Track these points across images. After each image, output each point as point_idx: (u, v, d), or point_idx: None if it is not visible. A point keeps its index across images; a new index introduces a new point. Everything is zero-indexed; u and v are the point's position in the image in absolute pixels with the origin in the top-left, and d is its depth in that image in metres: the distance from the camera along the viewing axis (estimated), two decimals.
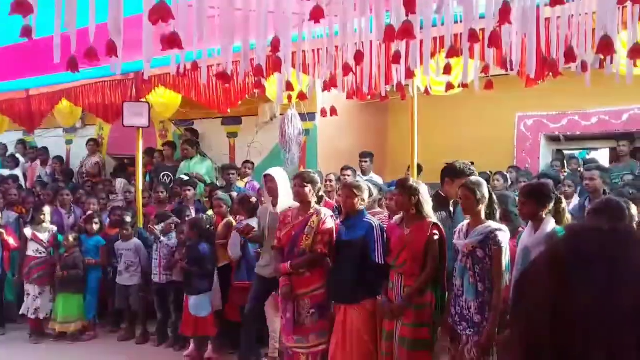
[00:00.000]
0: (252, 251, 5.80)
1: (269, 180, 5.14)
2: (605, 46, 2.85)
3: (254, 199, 6.04)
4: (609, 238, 0.80)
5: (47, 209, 6.98)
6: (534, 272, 0.84)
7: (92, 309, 6.76)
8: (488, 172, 7.37)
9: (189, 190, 7.21)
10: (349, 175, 7.11)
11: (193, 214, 6.66)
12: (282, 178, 5.14)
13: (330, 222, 4.70)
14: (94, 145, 10.12)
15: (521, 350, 0.81)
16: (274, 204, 5.12)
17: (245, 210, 6.00)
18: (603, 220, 0.85)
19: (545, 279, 0.80)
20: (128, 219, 6.81)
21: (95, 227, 6.82)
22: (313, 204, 4.77)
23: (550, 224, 3.68)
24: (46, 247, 6.83)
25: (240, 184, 7.84)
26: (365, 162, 7.97)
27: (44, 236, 6.82)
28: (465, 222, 4.03)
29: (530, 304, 0.81)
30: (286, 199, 5.04)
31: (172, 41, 2.52)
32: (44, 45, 3.22)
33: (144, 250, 6.60)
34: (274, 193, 5.10)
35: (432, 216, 4.26)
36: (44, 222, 6.87)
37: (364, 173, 7.79)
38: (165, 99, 8.07)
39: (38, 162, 10.50)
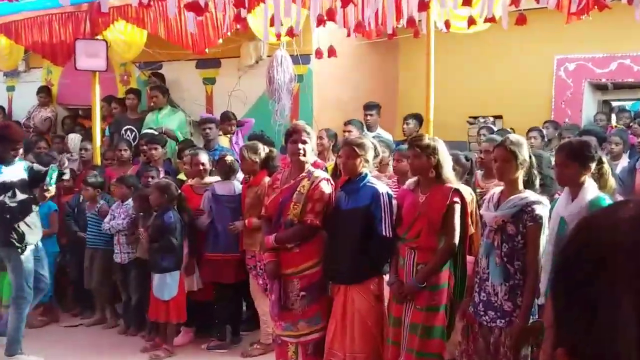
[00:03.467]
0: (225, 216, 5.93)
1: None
2: None
3: (229, 158, 6.05)
4: None
5: None
6: (626, 228, 0.77)
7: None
8: (509, 130, 7.34)
9: (156, 148, 7.18)
10: (351, 131, 7.08)
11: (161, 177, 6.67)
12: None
13: (325, 186, 4.65)
14: (46, 95, 10.03)
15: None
16: None
17: (220, 172, 6.04)
18: None
19: None
20: (92, 179, 6.77)
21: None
22: (308, 165, 4.76)
23: (591, 190, 3.67)
24: None
25: (224, 141, 7.80)
26: (371, 115, 7.94)
27: None
28: (497, 189, 4.02)
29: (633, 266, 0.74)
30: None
31: None
32: None
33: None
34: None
35: (453, 180, 4.26)
36: None
37: (369, 128, 7.76)
38: (126, 37, 7.97)
39: None
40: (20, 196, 5.59)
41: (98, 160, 7.29)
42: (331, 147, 6.77)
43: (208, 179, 6.27)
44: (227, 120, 8.01)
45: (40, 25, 7.91)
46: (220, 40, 7.09)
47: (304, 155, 4.65)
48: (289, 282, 4.64)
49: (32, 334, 6.24)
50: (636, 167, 5.42)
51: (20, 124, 9.92)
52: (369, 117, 7.94)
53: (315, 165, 5.38)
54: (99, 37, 7.55)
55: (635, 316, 0.72)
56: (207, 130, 7.58)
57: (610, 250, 0.76)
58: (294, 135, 4.69)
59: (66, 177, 5.93)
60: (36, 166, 5.92)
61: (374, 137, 6.20)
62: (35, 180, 5.70)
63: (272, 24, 4.45)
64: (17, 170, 5.67)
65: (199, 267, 6.12)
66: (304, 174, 4.68)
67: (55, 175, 5.61)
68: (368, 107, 8.03)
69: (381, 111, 8.13)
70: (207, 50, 7.19)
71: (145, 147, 7.35)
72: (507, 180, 3.90)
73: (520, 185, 3.87)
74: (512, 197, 3.82)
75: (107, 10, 6.81)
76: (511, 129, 7.52)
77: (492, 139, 5.41)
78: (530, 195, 3.81)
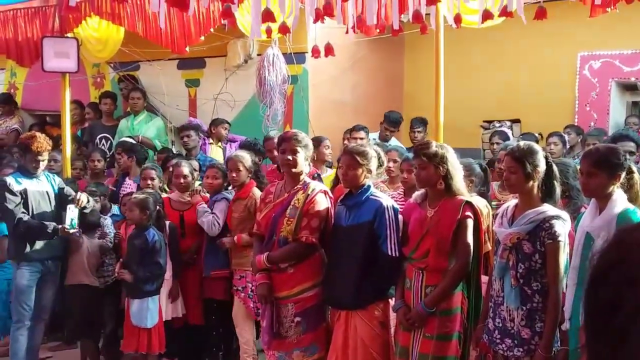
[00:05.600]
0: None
1: None
2: None
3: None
4: None
5: None
6: None
7: None
8: (536, 135, 7.38)
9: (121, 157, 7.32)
10: (362, 138, 7.08)
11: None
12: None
13: (323, 200, 4.67)
14: (8, 103, 10.02)
15: None
16: None
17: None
18: None
19: None
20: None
21: None
22: (303, 176, 4.77)
23: (620, 202, 3.69)
24: None
25: (216, 152, 7.80)
26: (392, 131, 7.96)
27: None
28: (512, 203, 4.03)
29: None
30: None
31: None
32: None
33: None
34: None
35: (464, 192, 4.27)
36: None
37: (384, 140, 7.74)
38: (100, 34, 8.01)
39: None
40: (39, 214, 5.91)
41: (69, 173, 7.30)
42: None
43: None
44: (219, 124, 8.09)
45: (4, 21, 7.92)
46: (202, 38, 7.13)
47: (295, 166, 4.67)
48: (282, 306, 4.65)
49: None
50: None
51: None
52: (389, 133, 7.96)
53: (309, 174, 5.41)
54: (69, 34, 7.57)
55: None
56: (186, 139, 7.63)
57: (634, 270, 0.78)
58: (283, 144, 4.72)
59: (87, 210, 6.14)
60: (67, 189, 6.16)
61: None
62: (60, 202, 6.02)
63: (264, 20, 4.45)
64: (40, 185, 5.98)
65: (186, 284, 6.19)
66: (298, 186, 4.70)
67: (75, 218, 5.93)
68: (393, 122, 8.07)
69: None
70: (187, 49, 7.21)
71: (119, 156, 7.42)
72: (521, 192, 3.91)
73: (537, 198, 3.88)
74: (528, 211, 3.83)
75: (76, 4, 6.84)
76: (539, 134, 7.56)
77: (509, 145, 5.44)
78: (548, 209, 3.81)
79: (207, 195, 6.21)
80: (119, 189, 7.09)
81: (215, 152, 7.82)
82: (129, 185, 7.06)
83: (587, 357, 0.86)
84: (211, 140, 8.10)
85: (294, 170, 4.69)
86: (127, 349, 6.07)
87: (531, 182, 3.86)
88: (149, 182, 6.45)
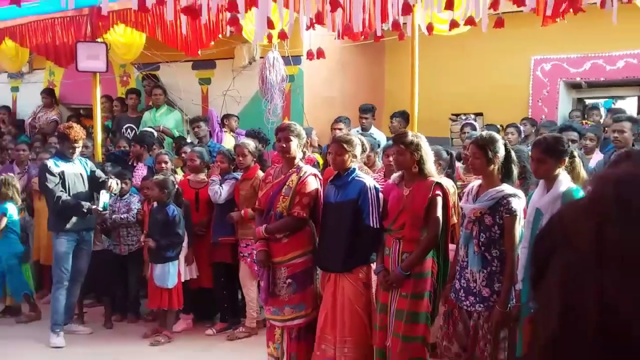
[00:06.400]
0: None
1: None
2: None
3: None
4: None
5: None
6: (572, 218, 0.82)
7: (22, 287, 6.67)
8: (498, 126, 7.38)
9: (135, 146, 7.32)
10: (341, 129, 7.09)
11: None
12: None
13: (313, 182, 4.70)
14: (49, 97, 9.95)
15: (557, 311, 0.78)
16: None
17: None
18: None
19: (591, 225, 0.77)
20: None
21: None
22: (297, 160, 4.79)
23: (564, 183, 3.70)
24: None
25: (229, 140, 7.77)
26: (366, 118, 7.89)
27: None
28: (477, 182, 4.04)
29: (571, 254, 0.79)
30: None
31: None
32: None
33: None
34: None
35: (434, 174, 4.28)
36: None
37: (364, 129, 7.71)
38: (126, 39, 7.95)
39: None
40: (75, 195, 5.90)
41: (99, 157, 7.28)
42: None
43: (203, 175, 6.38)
44: (230, 117, 8.23)
45: (44, 28, 7.86)
46: (212, 43, 7.09)
47: (288, 152, 4.71)
48: (277, 269, 4.69)
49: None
50: (611, 158, 5.44)
51: (23, 123, 9.94)
52: (364, 120, 7.89)
53: (307, 160, 5.43)
54: (99, 39, 7.52)
55: (558, 287, 0.79)
56: (196, 129, 7.65)
57: (559, 238, 0.82)
58: (279, 134, 4.78)
59: (116, 190, 6.15)
60: (98, 172, 6.16)
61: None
62: (92, 184, 6.05)
63: (269, 27, 4.42)
64: (75, 168, 5.98)
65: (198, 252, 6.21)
66: (293, 169, 4.73)
67: (107, 201, 6.05)
68: (364, 110, 7.93)
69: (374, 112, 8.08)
70: (199, 52, 7.18)
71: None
72: (484, 174, 3.92)
73: (497, 179, 3.89)
74: (489, 190, 3.84)
75: (107, 13, 6.80)
76: (501, 125, 7.56)
77: (473, 135, 5.43)
78: (506, 188, 3.83)
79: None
80: (132, 171, 7.08)
81: (228, 140, 7.81)
82: (141, 167, 7.04)
83: (533, 307, 0.90)
84: (225, 130, 8.09)
85: (288, 155, 4.74)
86: (151, 305, 6.11)
87: (492, 166, 3.86)
88: (163, 165, 6.48)
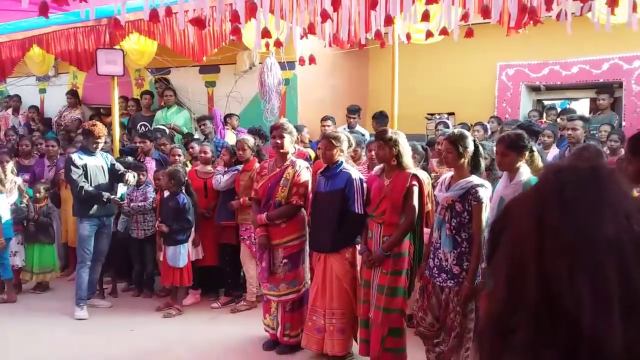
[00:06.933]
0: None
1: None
2: None
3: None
4: (591, 173, 0.84)
5: (9, 165, 6.57)
6: (519, 203, 0.87)
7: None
8: (468, 124, 7.41)
9: (145, 142, 7.14)
10: (328, 126, 7.11)
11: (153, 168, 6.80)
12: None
13: (306, 174, 4.77)
14: (73, 98, 9.91)
15: (504, 281, 0.83)
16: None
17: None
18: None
19: (532, 209, 0.83)
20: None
21: None
22: (290, 155, 4.80)
23: (524, 174, 3.74)
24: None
25: (230, 136, 7.76)
26: (354, 118, 7.88)
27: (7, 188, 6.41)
28: (449, 174, 4.06)
29: (515, 233, 0.84)
30: None
31: None
32: None
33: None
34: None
35: (411, 167, 4.30)
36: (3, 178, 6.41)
37: (350, 128, 7.71)
38: (140, 46, 7.91)
39: (10, 110, 10.30)
40: (96, 185, 5.87)
41: (117, 152, 7.25)
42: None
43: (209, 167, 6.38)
44: (232, 117, 8.20)
45: (67, 36, 7.83)
46: (215, 50, 7.08)
47: (282, 147, 4.73)
48: (274, 250, 4.74)
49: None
50: (565, 156, 5.50)
51: (51, 121, 9.88)
52: (351, 120, 7.87)
53: (299, 154, 5.44)
54: (116, 46, 7.48)
55: (504, 260, 0.85)
56: (203, 127, 7.62)
57: (508, 221, 0.89)
58: (274, 132, 4.80)
59: (132, 182, 6.15)
60: (118, 165, 6.12)
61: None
62: (112, 175, 6.01)
63: (263, 36, 4.41)
64: (97, 161, 5.94)
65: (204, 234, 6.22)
66: (288, 163, 4.76)
67: (125, 193, 6.15)
68: (352, 110, 7.89)
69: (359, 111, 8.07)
70: (204, 58, 7.17)
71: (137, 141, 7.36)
72: (455, 167, 3.93)
73: (467, 171, 3.90)
74: (460, 181, 3.86)
75: (123, 23, 6.76)
76: (471, 124, 7.58)
77: (446, 132, 5.44)
78: (474, 179, 3.84)
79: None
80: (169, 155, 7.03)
81: (230, 136, 7.80)
82: (149, 161, 7.01)
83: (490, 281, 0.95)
84: (227, 127, 8.08)
85: (281, 150, 4.77)
86: (164, 282, 6.12)
87: (462, 160, 3.87)
88: (176, 157, 6.49)
